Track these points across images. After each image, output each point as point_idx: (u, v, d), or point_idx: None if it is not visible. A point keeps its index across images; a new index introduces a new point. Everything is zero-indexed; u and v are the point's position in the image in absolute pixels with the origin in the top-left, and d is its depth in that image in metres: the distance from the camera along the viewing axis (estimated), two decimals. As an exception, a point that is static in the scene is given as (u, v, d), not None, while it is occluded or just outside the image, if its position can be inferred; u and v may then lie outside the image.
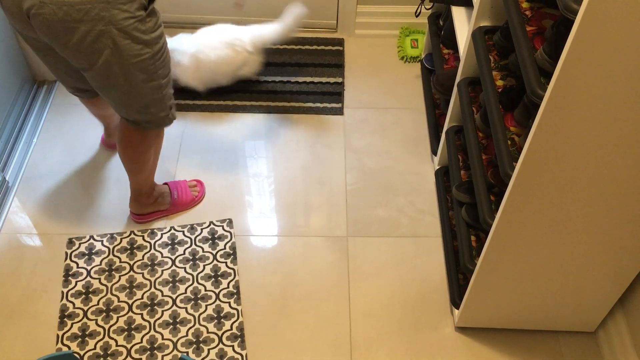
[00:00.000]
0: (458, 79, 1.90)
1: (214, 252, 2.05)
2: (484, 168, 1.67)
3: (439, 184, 2.17)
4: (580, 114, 1.20)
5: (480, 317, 1.84)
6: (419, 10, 2.34)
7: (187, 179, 2.22)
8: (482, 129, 1.74)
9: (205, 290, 1.95)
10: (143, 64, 1.58)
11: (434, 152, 2.28)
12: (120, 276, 1.99)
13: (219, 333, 1.86)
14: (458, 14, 2.02)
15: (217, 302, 1.93)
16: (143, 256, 2.03)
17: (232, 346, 1.84)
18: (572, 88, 1.15)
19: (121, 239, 2.07)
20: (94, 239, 2.07)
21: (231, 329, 1.87)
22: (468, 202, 1.82)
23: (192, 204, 2.17)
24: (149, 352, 1.83)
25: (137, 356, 1.82)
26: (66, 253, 2.03)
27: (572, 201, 1.39)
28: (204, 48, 2.38)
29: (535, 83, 1.26)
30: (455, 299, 1.84)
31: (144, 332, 1.87)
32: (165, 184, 2.16)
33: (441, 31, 2.32)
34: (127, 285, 1.97)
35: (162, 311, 1.91)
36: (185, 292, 1.95)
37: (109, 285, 1.96)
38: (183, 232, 2.10)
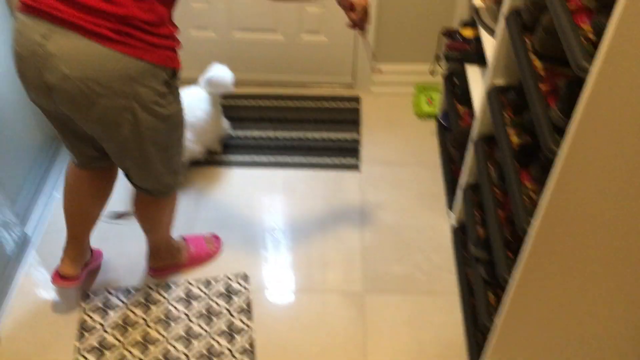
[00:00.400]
0: (474, 136, 1.92)
1: (229, 307, 2.03)
2: (501, 225, 1.66)
3: (456, 240, 2.15)
4: (595, 170, 1.20)
5: (500, 378, 1.79)
6: (434, 70, 2.39)
7: (204, 233, 2.23)
8: (498, 185, 1.74)
9: (220, 346, 1.93)
10: (160, 138, 1.59)
11: (450, 208, 2.27)
12: (134, 331, 1.97)
13: (233, 391, 1.83)
14: (472, 72, 2.06)
15: (232, 358, 1.90)
16: (158, 310, 2.03)
17: (246, 405, 1.81)
18: (587, 145, 1.16)
19: (136, 293, 2.07)
20: (110, 293, 2.07)
21: (245, 386, 1.84)
22: (485, 258, 1.80)
23: (209, 259, 2.17)
24: (161, 410, 1.80)
25: (149, 414, 1.79)
26: (81, 306, 2.03)
27: (590, 257, 1.37)
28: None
29: (550, 140, 1.27)
30: (474, 358, 1.80)
31: (156, 388, 1.84)
32: (183, 238, 2.17)
33: (456, 89, 2.36)
34: (141, 340, 1.95)
35: (176, 367, 1.89)
36: (199, 348, 1.93)
37: (123, 340, 1.95)
38: (198, 286, 2.09)
